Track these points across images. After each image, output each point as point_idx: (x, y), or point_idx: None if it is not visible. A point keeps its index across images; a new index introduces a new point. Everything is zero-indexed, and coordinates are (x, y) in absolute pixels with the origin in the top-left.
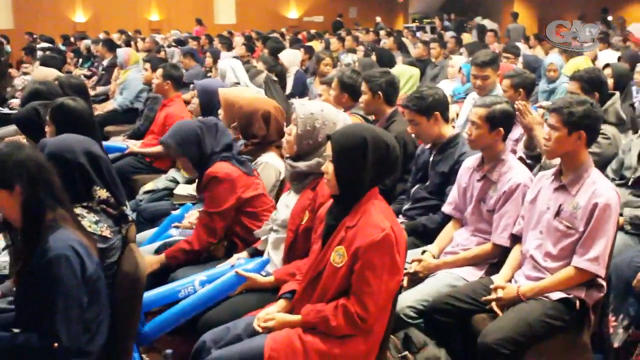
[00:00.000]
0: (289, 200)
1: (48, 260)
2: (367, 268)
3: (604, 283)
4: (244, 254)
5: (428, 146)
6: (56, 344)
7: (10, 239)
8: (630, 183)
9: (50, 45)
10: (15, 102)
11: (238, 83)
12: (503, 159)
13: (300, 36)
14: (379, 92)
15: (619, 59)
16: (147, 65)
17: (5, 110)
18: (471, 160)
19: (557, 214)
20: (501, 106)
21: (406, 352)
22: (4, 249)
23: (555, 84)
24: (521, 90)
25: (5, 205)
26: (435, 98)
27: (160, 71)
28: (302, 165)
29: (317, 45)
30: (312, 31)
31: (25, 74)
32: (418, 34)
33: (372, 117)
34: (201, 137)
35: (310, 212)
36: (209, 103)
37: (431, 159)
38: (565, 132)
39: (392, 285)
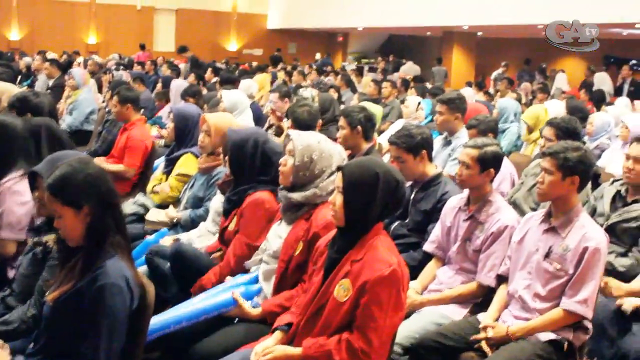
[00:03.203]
0: (280, 231)
1: (101, 287)
2: (374, 303)
3: (590, 325)
4: None
5: (409, 183)
6: None
7: (59, 258)
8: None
9: None
10: None
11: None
12: (491, 200)
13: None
14: (358, 127)
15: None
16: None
17: None
18: (456, 199)
19: (547, 255)
20: (492, 148)
21: None
22: None
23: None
24: (490, 134)
25: (69, 225)
26: (423, 137)
27: (115, 98)
28: (297, 196)
29: (265, 78)
30: (254, 63)
31: None
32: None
33: (348, 152)
34: None
35: (304, 243)
36: (185, 128)
37: (412, 196)
38: (559, 176)
39: (396, 321)
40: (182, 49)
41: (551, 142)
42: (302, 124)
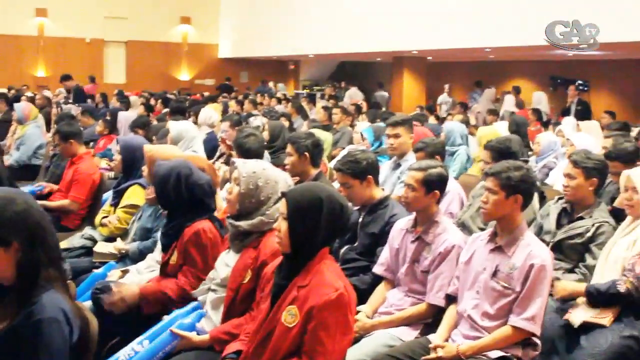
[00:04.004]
0: (228, 259)
1: (38, 322)
2: (321, 328)
3: (539, 342)
4: None
5: (357, 207)
6: None
7: None
8: (550, 247)
9: None
10: None
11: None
12: (437, 221)
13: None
14: (306, 153)
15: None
16: None
17: None
18: (404, 221)
19: (494, 274)
20: (437, 170)
21: None
22: None
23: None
24: (437, 157)
25: None
26: (369, 162)
27: (56, 137)
28: (244, 224)
29: (217, 108)
30: (206, 93)
31: None
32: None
33: (296, 179)
34: None
35: (253, 271)
36: (132, 160)
37: (360, 220)
38: (502, 195)
39: (344, 345)
40: (64, 77)
41: (488, 165)
42: (252, 154)
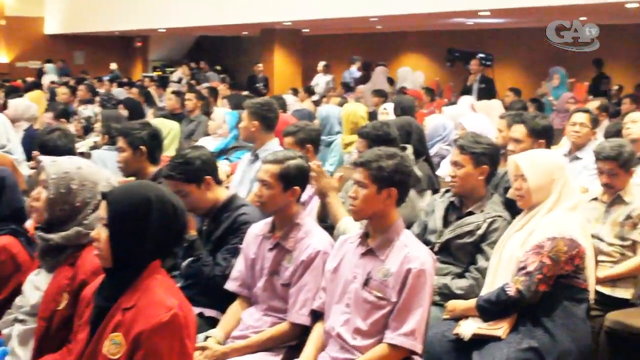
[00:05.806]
0: (39, 281)
1: None
2: (152, 357)
3: None
4: None
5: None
6: None
7: None
8: (436, 249)
9: None
10: None
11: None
12: (298, 223)
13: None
14: (141, 148)
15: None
16: None
17: None
18: (259, 226)
19: (366, 283)
20: (296, 162)
21: None
22: None
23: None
24: (308, 146)
25: None
26: (203, 159)
27: None
28: (56, 237)
29: (40, 97)
30: (29, 79)
31: None
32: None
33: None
34: None
35: (70, 294)
36: None
37: (204, 228)
38: (374, 189)
39: None
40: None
41: None
42: (59, 153)
